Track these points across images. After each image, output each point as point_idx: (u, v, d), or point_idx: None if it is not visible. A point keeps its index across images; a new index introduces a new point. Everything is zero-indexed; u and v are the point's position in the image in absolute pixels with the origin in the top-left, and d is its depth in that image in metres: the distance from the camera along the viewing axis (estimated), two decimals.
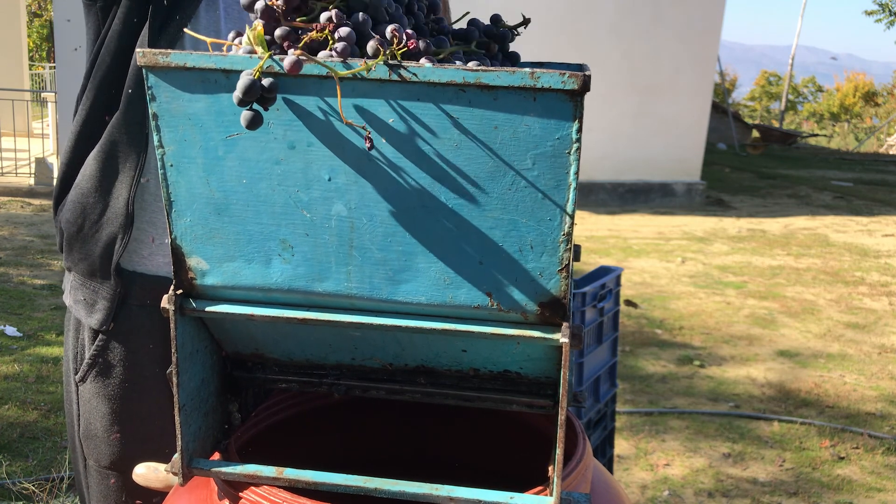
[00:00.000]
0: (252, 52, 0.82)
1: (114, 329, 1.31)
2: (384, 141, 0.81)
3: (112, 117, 1.26)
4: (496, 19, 1.02)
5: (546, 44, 9.27)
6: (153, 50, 0.82)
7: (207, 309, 0.92)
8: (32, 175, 8.91)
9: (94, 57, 1.28)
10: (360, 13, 0.84)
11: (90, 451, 1.34)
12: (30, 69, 14.36)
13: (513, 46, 1.04)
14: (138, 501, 1.34)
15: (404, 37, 0.81)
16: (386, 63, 0.78)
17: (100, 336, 1.31)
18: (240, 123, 0.82)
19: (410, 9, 0.94)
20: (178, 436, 0.96)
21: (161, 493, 1.15)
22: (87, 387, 1.33)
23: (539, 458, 1.11)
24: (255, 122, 0.80)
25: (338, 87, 0.79)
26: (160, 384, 1.32)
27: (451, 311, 0.88)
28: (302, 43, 0.80)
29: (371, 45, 0.80)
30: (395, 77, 0.78)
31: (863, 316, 5.51)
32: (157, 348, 1.32)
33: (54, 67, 9.37)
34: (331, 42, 0.80)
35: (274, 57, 0.79)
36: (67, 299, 1.37)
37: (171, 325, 0.92)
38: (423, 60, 0.81)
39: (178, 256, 0.90)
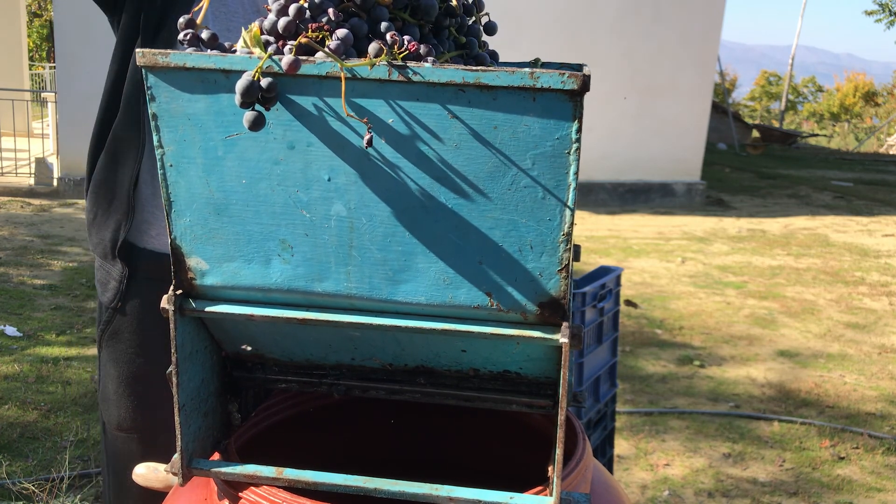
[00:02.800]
0: (250, 52, 0.82)
1: (124, 297, 1.43)
2: (384, 141, 0.81)
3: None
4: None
5: (546, 44, 9.27)
6: (152, 50, 0.82)
7: (207, 309, 0.92)
8: (32, 175, 8.90)
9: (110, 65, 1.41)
10: (357, 18, 0.84)
11: (105, 413, 1.46)
12: (30, 69, 14.35)
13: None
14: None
15: (404, 40, 0.81)
16: (387, 63, 0.78)
17: (111, 303, 1.44)
18: (239, 123, 0.82)
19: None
20: (178, 436, 0.96)
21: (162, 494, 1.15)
22: (103, 353, 1.45)
23: (539, 458, 1.11)
24: (257, 123, 0.80)
25: (342, 77, 0.79)
26: (165, 354, 1.39)
27: (450, 311, 0.88)
28: (298, 41, 0.81)
29: (373, 47, 0.80)
30: (395, 77, 0.78)
31: (863, 316, 5.51)
32: (161, 319, 1.41)
33: (54, 67, 9.37)
34: (328, 41, 0.80)
35: (273, 57, 0.80)
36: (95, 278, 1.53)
37: (171, 326, 0.92)
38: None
39: (177, 256, 0.90)
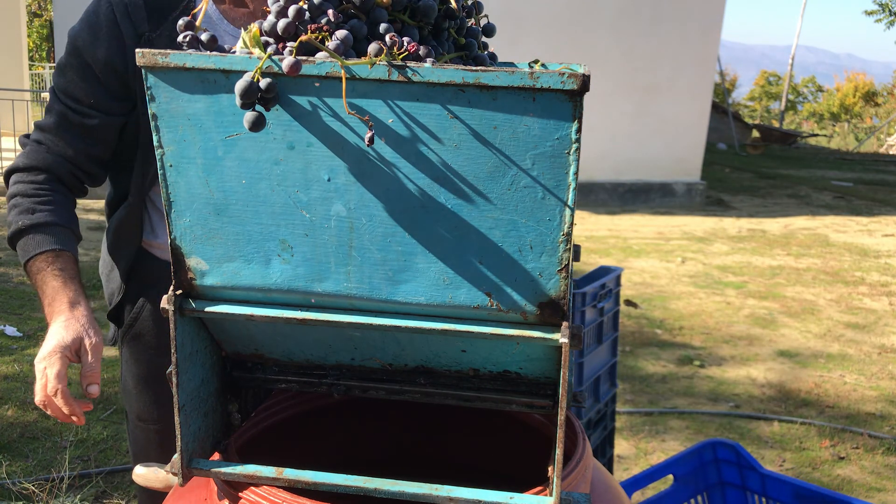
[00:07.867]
0: (250, 53, 0.82)
1: (145, 305, 1.51)
2: (383, 141, 0.81)
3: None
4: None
5: (546, 44, 9.27)
6: (152, 50, 0.82)
7: (207, 309, 0.92)
8: None
9: None
10: (356, 20, 0.84)
11: (127, 403, 1.57)
12: (30, 69, 14.34)
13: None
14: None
15: (404, 41, 0.81)
16: (387, 62, 0.78)
17: (133, 309, 1.51)
18: (239, 124, 0.82)
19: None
20: (178, 436, 0.96)
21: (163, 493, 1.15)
22: (124, 350, 1.55)
23: (539, 458, 1.11)
24: (258, 124, 0.80)
25: (342, 75, 0.79)
26: None
27: (450, 311, 0.88)
28: (299, 40, 0.81)
29: (373, 47, 0.80)
30: (395, 77, 0.78)
31: (863, 316, 5.51)
32: None
33: (54, 67, 9.36)
34: (328, 42, 0.80)
35: (273, 58, 0.80)
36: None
37: (171, 326, 0.92)
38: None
39: (177, 257, 0.90)
